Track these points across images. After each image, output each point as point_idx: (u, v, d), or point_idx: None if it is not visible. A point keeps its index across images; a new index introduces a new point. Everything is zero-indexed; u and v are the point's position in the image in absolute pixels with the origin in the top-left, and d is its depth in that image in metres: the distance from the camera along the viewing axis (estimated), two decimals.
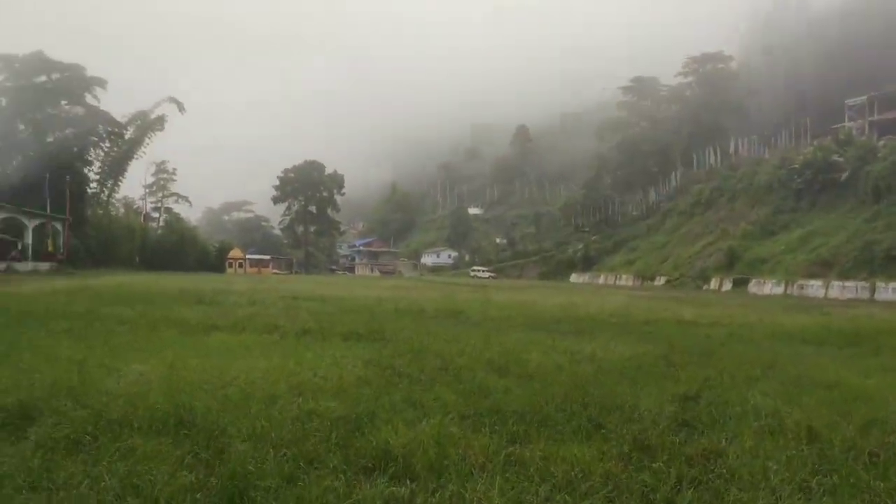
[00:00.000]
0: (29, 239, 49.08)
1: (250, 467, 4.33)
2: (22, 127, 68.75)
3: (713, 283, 57.80)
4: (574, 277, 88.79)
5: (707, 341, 13.43)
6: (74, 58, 71.59)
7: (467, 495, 4.13)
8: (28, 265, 46.54)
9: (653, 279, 69.76)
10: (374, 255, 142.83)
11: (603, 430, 5.81)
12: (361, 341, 11.77)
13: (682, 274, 65.88)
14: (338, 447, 5.06)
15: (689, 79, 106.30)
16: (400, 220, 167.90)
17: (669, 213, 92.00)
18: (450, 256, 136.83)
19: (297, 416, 5.82)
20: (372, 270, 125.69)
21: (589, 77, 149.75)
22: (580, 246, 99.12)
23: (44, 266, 48.63)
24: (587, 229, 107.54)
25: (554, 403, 6.76)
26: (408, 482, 4.37)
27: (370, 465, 4.72)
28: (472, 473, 4.53)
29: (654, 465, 4.86)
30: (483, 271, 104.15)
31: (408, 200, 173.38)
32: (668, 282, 65.67)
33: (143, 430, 5.26)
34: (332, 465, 4.60)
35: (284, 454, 4.74)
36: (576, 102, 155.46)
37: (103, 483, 3.98)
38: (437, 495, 4.16)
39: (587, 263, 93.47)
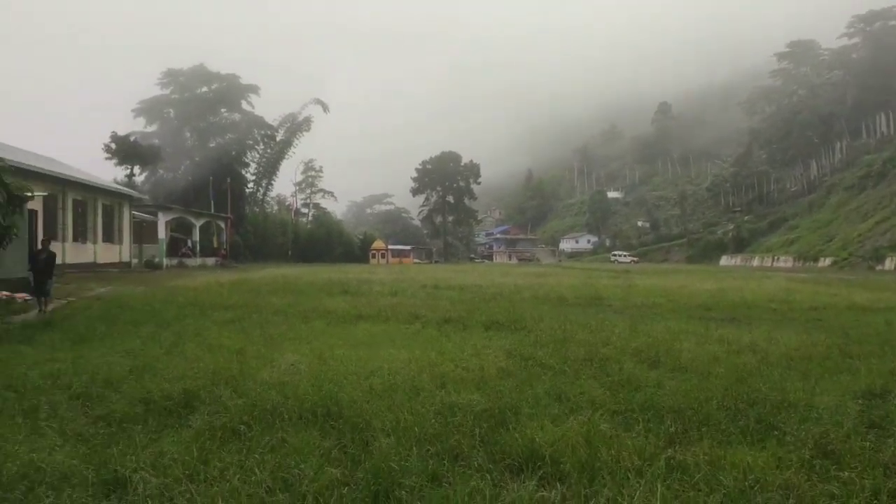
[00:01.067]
0: (196, 236, 53.76)
1: (394, 464, 4.25)
2: (188, 135, 75.60)
3: (888, 264, 51.90)
4: (725, 260, 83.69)
5: (888, 329, 11.89)
6: (230, 68, 77.64)
7: (624, 503, 3.79)
8: (196, 260, 51.02)
9: (816, 260, 63.99)
10: (511, 243, 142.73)
11: (776, 432, 5.19)
12: (502, 330, 11.59)
13: (851, 254, 59.82)
14: (482, 444, 4.88)
15: (855, 40, 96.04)
16: (537, 206, 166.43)
17: (834, 187, 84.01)
18: (589, 241, 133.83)
19: (439, 410, 5.72)
20: (510, 258, 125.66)
21: (736, 44, 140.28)
22: (731, 227, 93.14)
23: (210, 260, 53.12)
24: (738, 209, 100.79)
25: (715, 400, 6.17)
26: (557, 485, 4.10)
27: (516, 464, 4.49)
28: (627, 478, 4.17)
29: (842, 474, 4.23)
30: (624, 256, 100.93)
31: (544, 186, 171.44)
32: (834, 263, 59.90)
33: (293, 421, 5.38)
34: (476, 464, 4.42)
35: (428, 450, 4.63)
36: (722, 73, 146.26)
37: (254, 477, 4.05)
38: (592, 502, 3.85)
39: (739, 245, 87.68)
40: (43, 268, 15.22)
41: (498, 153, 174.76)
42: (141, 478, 4.01)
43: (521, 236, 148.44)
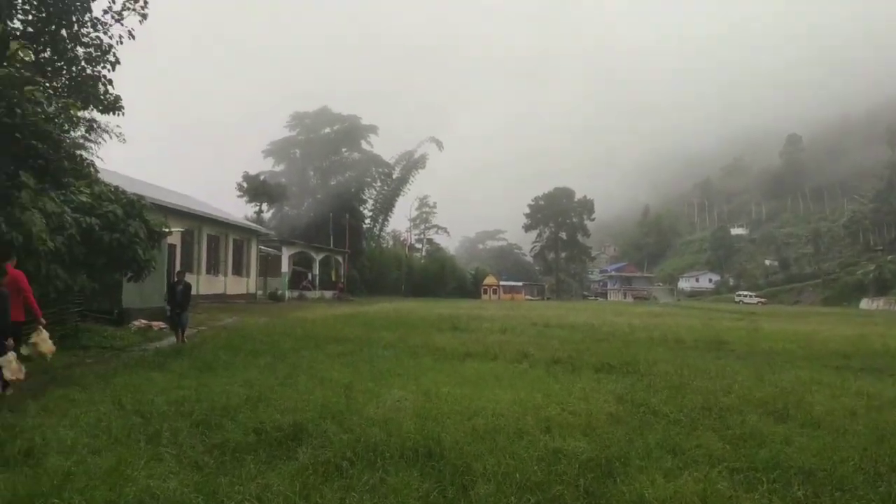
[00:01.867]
0: (316, 270, 56.28)
1: None
2: (311, 173, 79.82)
3: None
4: (865, 304, 76.86)
5: None
6: (352, 109, 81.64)
7: None
8: (315, 293, 53.28)
9: None
10: (626, 280, 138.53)
11: None
12: (613, 374, 11.14)
13: None
14: (586, 495, 4.65)
15: None
16: (654, 243, 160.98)
17: None
18: (710, 281, 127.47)
19: (543, 455, 5.52)
20: (625, 296, 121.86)
21: (876, 70, 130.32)
22: (872, 267, 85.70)
23: (328, 293, 55.29)
24: (880, 248, 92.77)
25: (851, 461, 5.57)
26: None
27: None
28: None
29: None
30: (750, 296, 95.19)
31: (662, 222, 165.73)
32: None
33: (394, 459, 5.37)
34: None
35: (528, 500, 4.46)
36: (859, 102, 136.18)
37: None
38: None
39: (881, 287, 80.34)
40: (180, 299, 15.65)
41: (614, 189, 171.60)
42: None
43: (636, 274, 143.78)
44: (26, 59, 8.83)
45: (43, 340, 9.43)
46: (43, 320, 9.42)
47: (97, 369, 10.87)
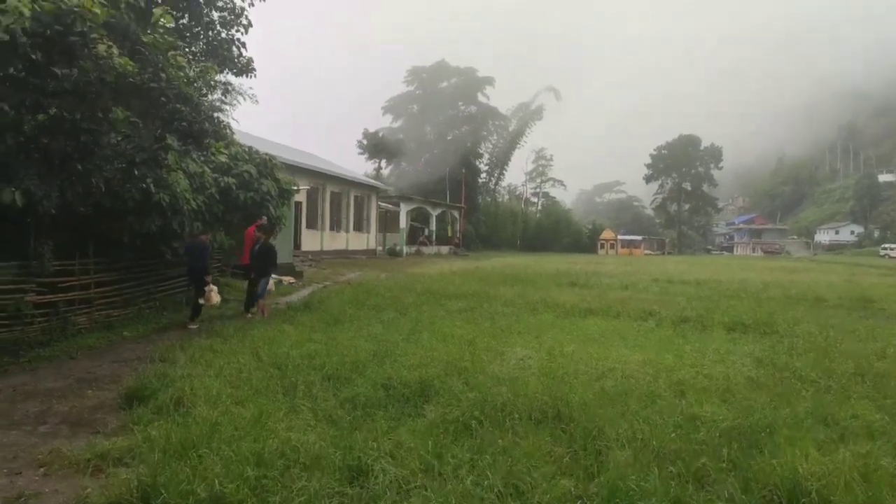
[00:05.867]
0: (433, 225, 56.97)
1: (632, 483, 3.94)
2: (428, 128, 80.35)
3: None
4: None
5: None
6: (468, 61, 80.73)
7: None
8: (432, 248, 54.08)
9: None
10: (756, 233, 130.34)
11: None
12: (748, 334, 10.49)
13: None
14: (732, 468, 4.36)
15: None
16: (788, 192, 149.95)
17: None
18: (852, 233, 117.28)
19: (679, 422, 5.25)
20: (754, 250, 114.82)
21: None
22: None
23: (444, 249, 55.99)
24: None
25: None
26: None
27: (776, 498, 3.92)
28: None
29: None
30: None
31: (798, 170, 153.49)
32: None
33: (523, 421, 5.30)
34: (726, 493, 3.94)
35: (670, 470, 4.24)
36: None
37: (486, 480, 4.02)
38: None
39: None
40: (256, 264, 12.77)
41: (746, 135, 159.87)
42: (381, 468, 4.20)
43: (768, 226, 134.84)
44: (168, 24, 9.28)
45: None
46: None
47: (236, 322, 11.60)
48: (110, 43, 8.62)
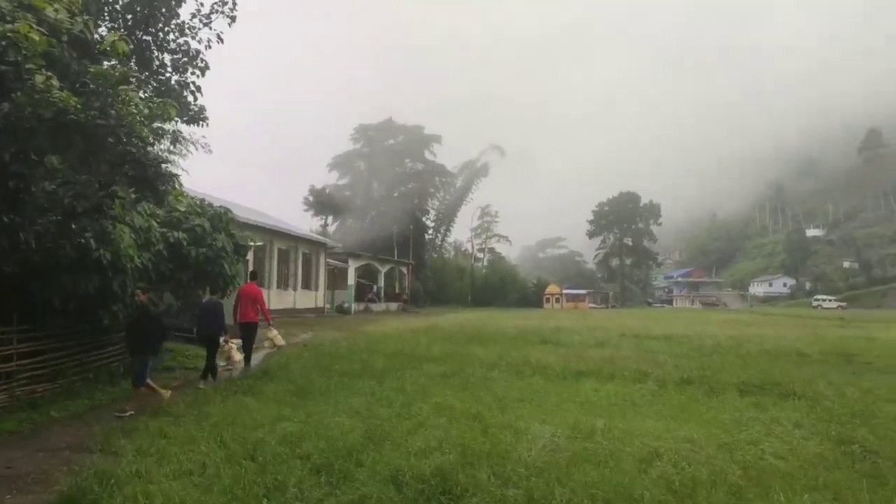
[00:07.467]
0: (381, 282, 55.56)
1: None
2: (376, 185, 79.68)
3: None
4: None
5: None
6: (414, 119, 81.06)
7: None
8: (381, 305, 52.53)
9: None
10: (694, 286, 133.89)
11: None
12: (766, 396, 9.64)
13: None
14: None
15: None
16: (722, 247, 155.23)
17: None
18: (785, 285, 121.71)
19: None
20: (692, 302, 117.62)
21: None
22: None
23: (392, 305, 54.51)
24: None
25: None
26: None
27: None
28: None
29: None
30: (829, 300, 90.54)
31: (730, 227, 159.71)
32: None
33: None
34: None
35: None
36: None
37: None
38: None
39: None
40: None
41: (681, 193, 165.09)
42: None
43: (704, 279, 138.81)
44: (122, 51, 8.03)
45: (276, 336, 14.19)
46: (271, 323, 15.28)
47: (186, 395, 10.06)
48: (50, 74, 7.36)
